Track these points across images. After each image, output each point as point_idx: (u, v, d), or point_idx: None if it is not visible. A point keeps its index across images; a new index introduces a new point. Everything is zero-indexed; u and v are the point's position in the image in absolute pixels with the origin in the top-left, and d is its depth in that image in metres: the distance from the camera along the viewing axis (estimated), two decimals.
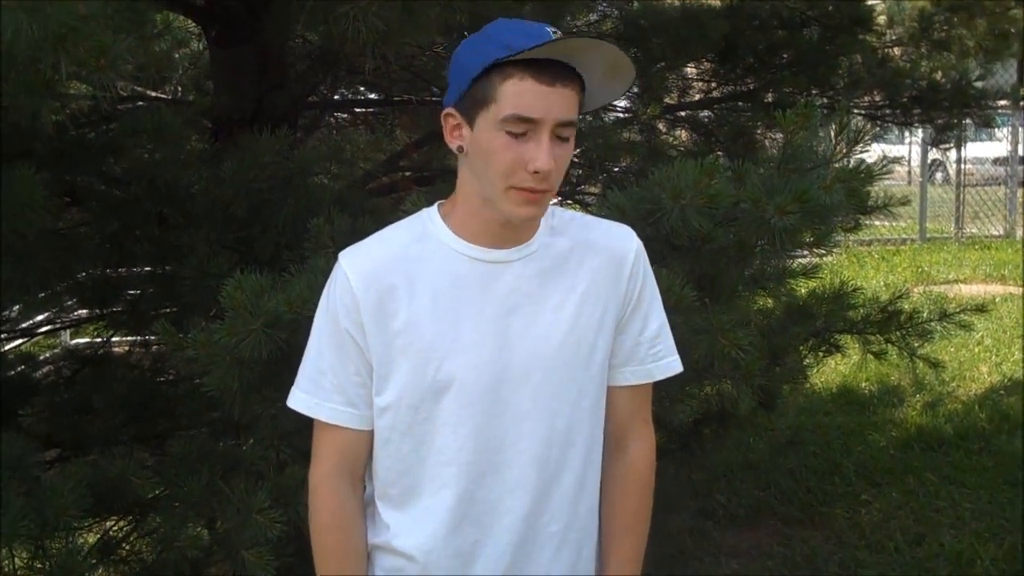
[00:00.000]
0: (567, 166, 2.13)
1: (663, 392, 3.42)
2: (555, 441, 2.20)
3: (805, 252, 4.77)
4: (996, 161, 19.60)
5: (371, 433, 2.23)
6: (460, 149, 2.12)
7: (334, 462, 2.24)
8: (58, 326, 5.70)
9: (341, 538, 2.26)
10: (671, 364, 2.38)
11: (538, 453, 2.19)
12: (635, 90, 5.75)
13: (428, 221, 2.22)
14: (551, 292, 2.19)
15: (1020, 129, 18.84)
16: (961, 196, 18.18)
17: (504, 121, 2.00)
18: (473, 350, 2.14)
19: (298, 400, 2.24)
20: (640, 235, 2.36)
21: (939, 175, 21.52)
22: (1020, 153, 18.95)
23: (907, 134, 16.61)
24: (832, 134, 3.32)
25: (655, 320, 2.34)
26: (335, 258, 2.23)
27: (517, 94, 1.99)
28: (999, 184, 18.89)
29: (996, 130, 14.21)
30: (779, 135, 5.69)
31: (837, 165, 3.25)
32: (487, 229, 2.15)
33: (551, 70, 2.00)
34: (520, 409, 2.17)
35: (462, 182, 2.18)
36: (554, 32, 2.01)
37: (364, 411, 2.20)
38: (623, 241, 2.31)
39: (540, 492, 2.20)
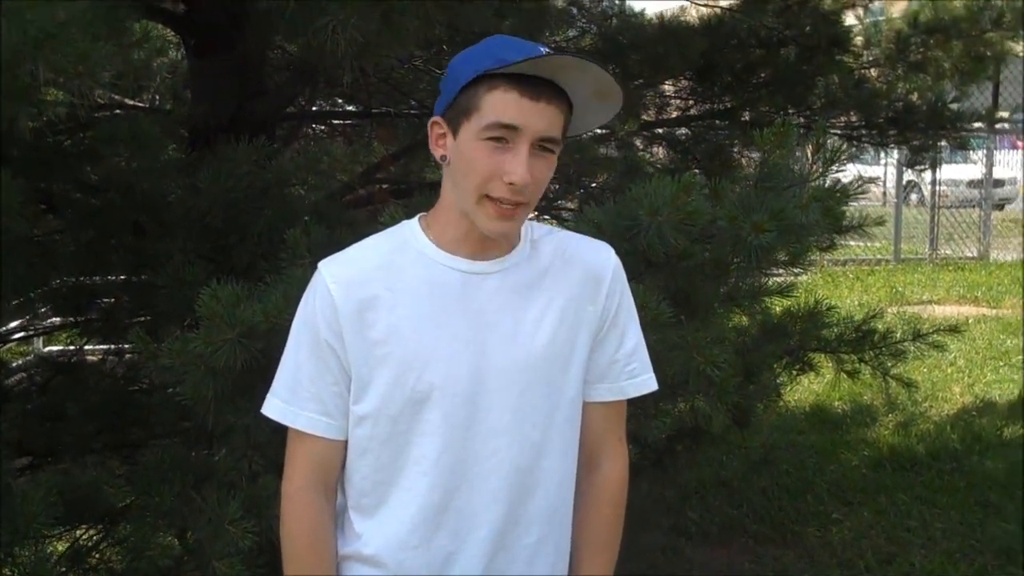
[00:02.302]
0: (546, 182, 2.14)
1: (638, 408, 3.43)
2: (530, 454, 2.20)
3: (780, 270, 4.79)
4: (971, 183, 19.69)
5: (345, 444, 2.22)
6: (443, 158, 2.13)
7: (308, 472, 2.23)
8: (31, 333, 5.67)
9: (313, 549, 2.25)
10: (646, 382, 2.38)
11: (513, 465, 2.19)
12: None
13: (408, 232, 2.23)
14: (530, 305, 2.20)
15: (995, 152, 18.96)
16: (936, 217, 18.26)
17: (485, 128, 2.02)
18: (453, 361, 2.14)
19: (273, 408, 2.23)
20: (617, 251, 2.36)
21: (914, 196, 21.61)
22: (994, 176, 19.06)
23: (882, 155, 16.72)
24: (808, 153, 3.34)
25: (631, 338, 2.35)
26: (312, 268, 2.23)
27: (501, 103, 2.01)
28: (973, 206, 18.99)
29: (971, 152, 14.29)
30: (756, 154, 5.72)
31: (813, 184, 3.27)
32: (467, 240, 2.16)
33: (538, 86, 2.02)
34: (497, 421, 2.17)
35: (444, 193, 2.19)
36: (547, 51, 2.02)
37: (339, 421, 2.20)
38: (602, 257, 2.32)
39: (514, 504, 2.20)
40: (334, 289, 2.14)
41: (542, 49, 2.03)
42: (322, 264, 2.21)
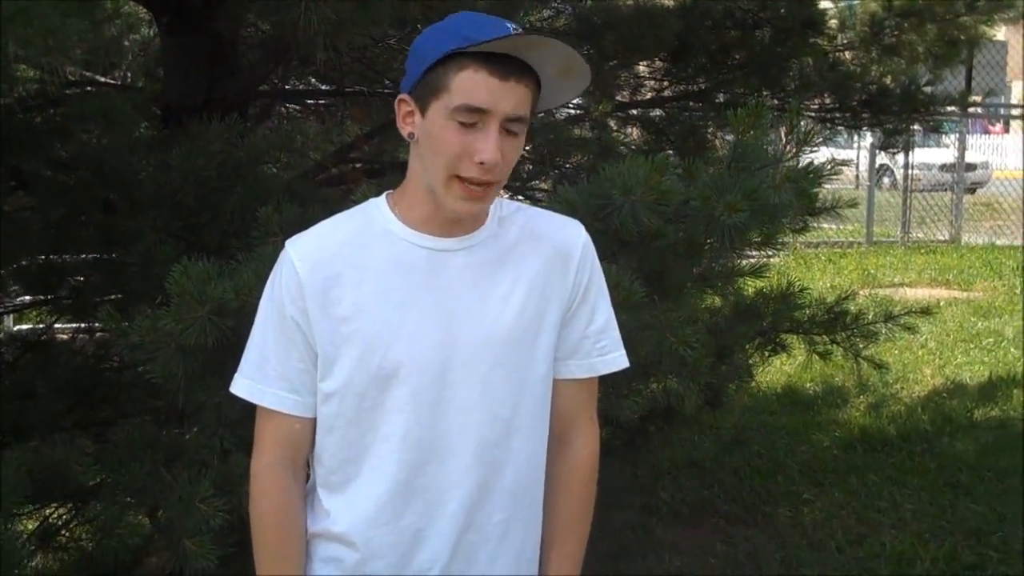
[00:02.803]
0: (515, 161, 2.13)
1: (610, 388, 3.43)
2: (499, 431, 2.21)
3: (753, 252, 4.80)
4: (943, 167, 19.78)
5: (314, 421, 2.22)
6: (411, 136, 2.12)
7: (276, 450, 2.23)
8: (0, 311, 5.64)
9: (281, 527, 2.25)
10: (617, 359, 2.38)
11: (481, 442, 2.19)
12: (587, 87, 5.76)
13: (376, 209, 2.22)
14: (497, 282, 2.20)
15: (967, 135, 19.04)
16: (908, 201, 18.34)
17: (455, 111, 2.01)
18: (419, 338, 2.14)
19: (241, 386, 2.23)
20: (590, 230, 2.36)
21: (886, 179, 21.70)
22: (966, 160, 19.15)
23: (855, 138, 16.77)
24: (783, 135, 3.35)
25: (601, 314, 2.35)
26: (283, 246, 2.22)
27: (470, 85, 2.00)
28: (945, 190, 19.07)
29: (943, 136, 14.35)
30: (730, 135, 5.72)
31: (787, 165, 3.27)
32: (435, 217, 2.15)
33: (506, 65, 2.01)
34: (465, 398, 2.17)
35: (411, 171, 2.18)
36: (514, 28, 2.02)
37: (307, 398, 2.20)
38: (571, 234, 2.31)
39: (483, 482, 2.21)
40: (299, 266, 2.14)
41: (509, 26, 2.02)
42: (288, 242, 2.21)
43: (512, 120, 2.04)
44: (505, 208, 2.28)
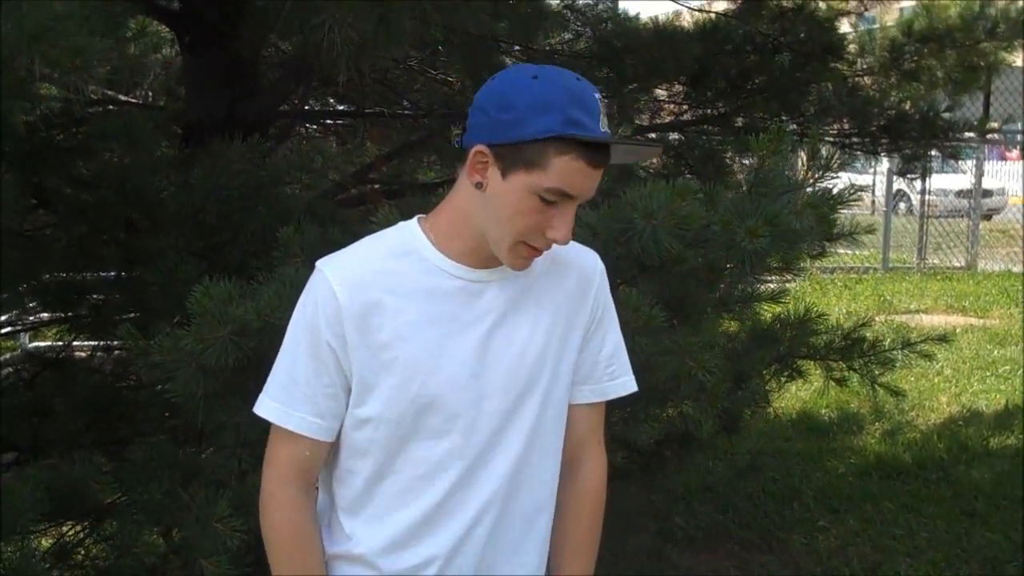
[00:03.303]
0: None
1: (627, 412, 3.43)
2: (524, 455, 2.22)
3: (772, 277, 4.79)
4: (959, 193, 19.74)
5: (329, 445, 2.22)
6: (479, 185, 2.08)
7: (291, 471, 2.22)
8: (18, 328, 5.65)
9: (301, 544, 2.24)
10: (626, 383, 2.40)
11: (508, 468, 2.20)
12: None
13: (410, 235, 2.20)
14: (527, 310, 2.21)
15: (984, 162, 18.99)
16: (924, 227, 18.29)
17: (546, 191, 2.01)
18: (456, 368, 2.14)
19: (267, 408, 2.21)
20: (611, 254, 2.38)
21: (902, 205, 21.66)
22: (983, 186, 19.11)
23: (872, 164, 16.75)
24: (803, 160, 3.34)
25: (612, 339, 2.37)
26: (304, 267, 2.22)
27: (568, 172, 2.00)
28: (962, 216, 19.03)
29: (960, 162, 14.33)
30: (748, 160, 5.71)
31: (808, 191, 3.27)
32: (474, 253, 2.15)
33: (603, 154, 2.03)
34: (497, 426, 2.18)
35: (464, 209, 2.15)
36: (602, 100, 2.03)
37: (331, 423, 2.19)
38: (590, 262, 2.34)
39: (506, 503, 2.22)
40: (339, 291, 2.11)
41: (597, 99, 2.03)
42: (322, 264, 2.18)
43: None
44: None
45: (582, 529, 2.41)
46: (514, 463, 2.21)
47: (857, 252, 15.67)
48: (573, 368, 2.29)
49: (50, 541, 3.78)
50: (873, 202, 20.10)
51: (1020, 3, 6.92)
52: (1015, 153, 23.51)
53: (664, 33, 5.73)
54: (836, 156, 3.45)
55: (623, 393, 2.40)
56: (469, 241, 2.14)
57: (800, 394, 8.88)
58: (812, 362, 5.61)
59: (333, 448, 2.24)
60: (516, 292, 2.20)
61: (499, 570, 2.26)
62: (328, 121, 6.81)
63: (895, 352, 5.85)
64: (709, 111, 6.51)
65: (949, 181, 19.35)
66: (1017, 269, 17.48)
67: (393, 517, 2.19)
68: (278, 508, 2.23)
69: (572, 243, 2.36)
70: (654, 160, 6.52)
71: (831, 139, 6.66)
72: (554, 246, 2.21)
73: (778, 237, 3.08)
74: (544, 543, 2.34)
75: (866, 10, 7.23)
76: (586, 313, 2.29)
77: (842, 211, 3.47)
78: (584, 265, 2.32)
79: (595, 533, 2.43)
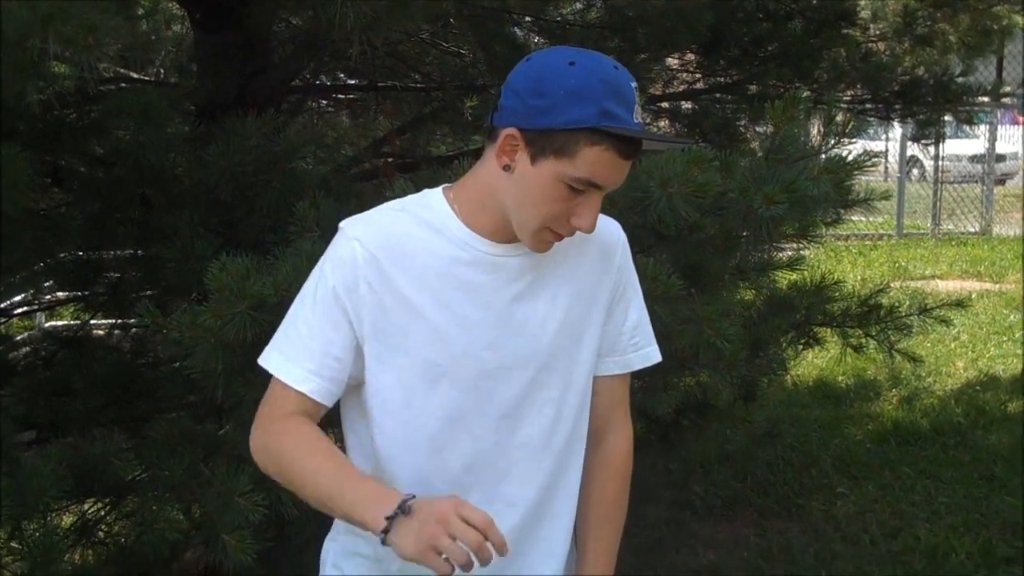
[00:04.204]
0: None
1: (646, 382, 3.43)
2: (544, 431, 2.21)
3: (789, 244, 4.78)
4: (973, 158, 19.68)
5: (323, 409, 2.14)
6: (507, 167, 2.06)
7: (285, 415, 2.12)
8: (35, 308, 5.67)
9: (320, 439, 2.09)
10: (650, 354, 2.39)
11: (525, 439, 2.19)
12: None
13: (435, 203, 2.18)
14: (547, 284, 2.19)
15: (997, 126, 18.92)
16: (938, 193, 18.24)
17: (576, 180, 1.99)
18: (473, 338, 2.12)
19: (270, 359, 2.16)
20: (628, 223, 2.36)
21: (915, 171, 21.60)
22: (997, 151, 19.04)
23: (885, 131, 16.69)
24: (819, 126, 3.34)
25: (636, 310, 2.36)
26: (320, 242, 2.20)
27: (598, 162, 1.98)
28: (975, 181, 18.97)
29: (973, 127, 14.30)
30: (762, 128, 5.69)
31: (823, 156, 3.26)
32: (497, 229, 2.13)
33: (634, 146, 2.02)
34: (513, 398, 2.17)
35: (487, 184, 2.13)
36: (635, 87, 2.01)
37: (332, 386, 2.13)
38: (612, 233, 2.31)
39: (524, 477, 2.21)
40: (359, 251, 2.08)
41: (632, 88, 2.01)
42: (346, 224, 2.15)
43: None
44: None
45: (607, 501, 2.39)
46: (533, 439, 2.20)
47: (871, 219, 15.66)
48: (597, 342, 2.28)
49: (72, 518, 3.80)
50: (886, 168, 20.05)
51: None
52: None
53: (676, 2, 5.70)
54: (851, 122, 3.44)
55: (648, 364, 2.39)
56: (493, 215, 2.12)
57: (817, 361, 8.88)
58: (829, 329, 5.62)
59: (351, 419, 2.23)
60: (538, 266, 2.18)
61: (524, 546, 2.24)
62: (340, 96, 6.79)
63: (911, 318, 5.84)
64: (722, 79, 6.49)
65: (962, 146, 19.29)
66: None
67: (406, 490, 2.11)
68: (282, 428, 2.11)
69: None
70: (666, 128, 6.52)
71: (845, 105, 6.63)
72: None
73: (795, 204, 3.08)
74: (568, 516, 2.33)
75: None
76: (609, 285, 2.28)
77: (857, 177, 3.47)
78: (606, 237, 2.29)
79: (621, 505, 2.42)
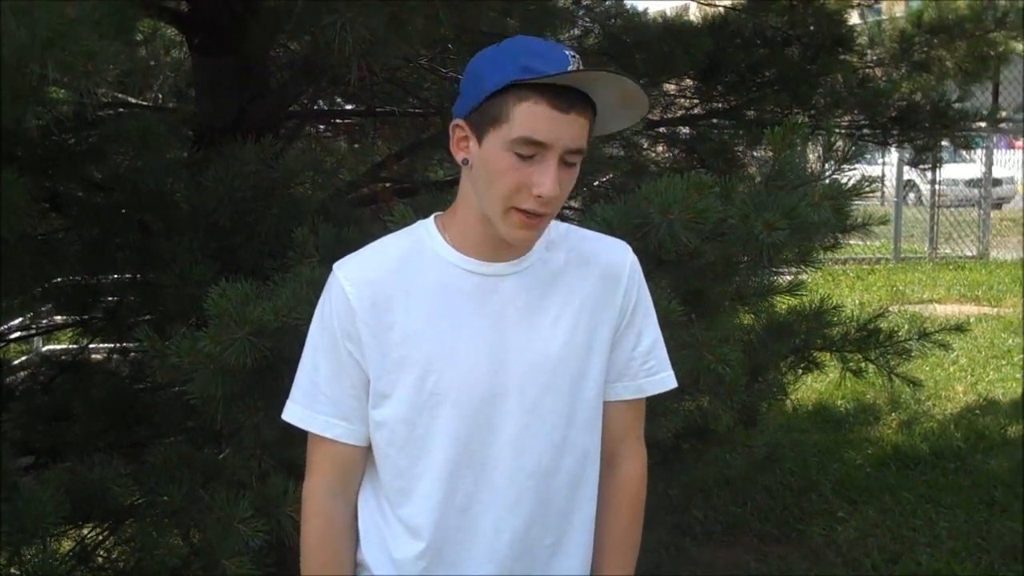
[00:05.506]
0: (570, 191, 2.12)
1: (648, 406, 3.42)
2: (550, 456, 2.19)
3: (788, 269, 4.78)
4: (969, 183, 19.72)
5: (364, 449, 2.22)
6: (465, 162, 2.09)
7: (326, 474, 2.23)
8: (32, 332, 5.65)
9: (323, 548, 2.25)
10: (665, 379, 2.37)
11: (533, 468, 2.18)
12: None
13: (424, 233, 2.20)
14: (547, 306, 2.18)
15: (994, 151, 18.96)
16: (935, 217, 18.28)
17: (514, 142, 1.98)
18: (470, 363, 2.12)
19: (292, 413, 2.23)
20: None
21: (912, 195, 21.63)
22: (993, 175, 19.07)
23: (881, 155, 16.71)
24: (819, 151, 3.34)
25: (649, 335, 2.34)
26: (319, 267, 2.23)
27: (531, 117, 1.97)
28: (972, 205, 19.01)
29: (970, 152, 14.31)
30: (759, 153, 5.70)
31: (824, 183, 3.26)
32: (486, 242, 2.14)
33: (567, 97, 1.98)
34: (515, 424, 2.16)
35: (463, 195, 2.16)
36: (572, 56, 2.01)
37: (358, 426, 2.19)
38: (619, 256, 2.30)
39: (535, 506, 2.20)
40: (350, 291, 2.12)
41: (567, 54, 2.00)
42: (337, 266, 2.19)
43: (570, 152, 2.02)
44: (554, 231, 2.26)
45: (621, 527, 2.38)
46: (539, 463, 2.19)
47: (869, 243, 15.66)
48: (604, 366, 2.26)
49: (71, 543, 3.78)
50: (883, 192, 20.07)
51: None
52: (1022, 141, 23.49)
53: (673, 27, 5.71)
54: (851, 148, 3.45)
55: (662, 389, 2.37)
56: (477, 229, 2.13)
57: (816, 386, 8.88)
58: (828, 353, 5.60)
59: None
60: (536, 286, 2.18)
61: (535, 570, 2.24)
62: (338, 121, 6.80)
63: (911, 342, 5.83)
64: (720, 105, 6.50)
65: (959, 171, 19.32)
66: None
67: (416, 522, 2.19)
68: (307, 514, 2.26)
69: (603, 236, 2.36)
70: (662, 153, 6.52)
71: (842, 131, 6.64)
72: (582, 240, 2.22)
73: (796, 229, 3.07)
74: (585, 544, 2.32)
75: (876, 1, 7.22)
76: (615, 309, 2.26)
77: (855, 202, 3.47)
78: (611, 260, 2.28)
79: (635, 530, 2.41)
